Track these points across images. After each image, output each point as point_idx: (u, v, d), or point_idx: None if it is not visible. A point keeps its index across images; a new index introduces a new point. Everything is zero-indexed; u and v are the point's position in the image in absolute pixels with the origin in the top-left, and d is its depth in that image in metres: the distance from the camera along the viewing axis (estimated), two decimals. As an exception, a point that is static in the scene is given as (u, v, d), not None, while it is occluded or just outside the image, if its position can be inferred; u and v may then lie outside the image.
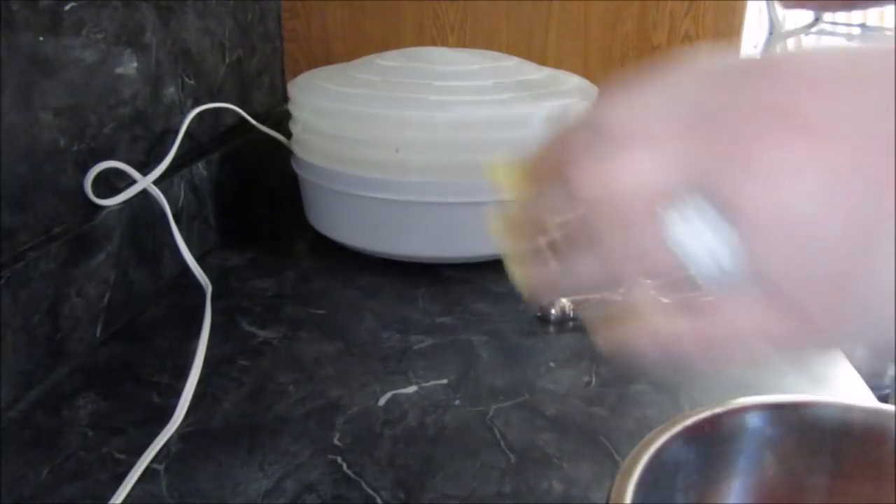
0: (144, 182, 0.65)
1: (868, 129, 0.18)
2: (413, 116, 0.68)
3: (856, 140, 0.18)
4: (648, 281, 0.21)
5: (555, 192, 0.23)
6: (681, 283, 0.20)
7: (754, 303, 0.20)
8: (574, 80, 0.79)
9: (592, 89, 0.77)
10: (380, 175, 0.70)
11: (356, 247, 0.76)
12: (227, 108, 0.81)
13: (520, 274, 0.26)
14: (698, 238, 0.19)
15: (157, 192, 0.66)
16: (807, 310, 0.19)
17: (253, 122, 0.85)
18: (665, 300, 0.21)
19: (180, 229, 0.67)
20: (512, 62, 0.79)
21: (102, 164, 0.61)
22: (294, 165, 0.79)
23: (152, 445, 0.48)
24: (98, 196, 0.60)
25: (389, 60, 0.77)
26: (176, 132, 0.72)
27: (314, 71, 0.81)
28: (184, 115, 0.74)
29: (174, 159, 0.69)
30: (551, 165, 0.24)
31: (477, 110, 0.68)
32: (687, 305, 0.21)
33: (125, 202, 0.63)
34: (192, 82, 0.75)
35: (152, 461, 0.47)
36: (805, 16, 1.33)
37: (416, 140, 0.68)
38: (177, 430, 0.50)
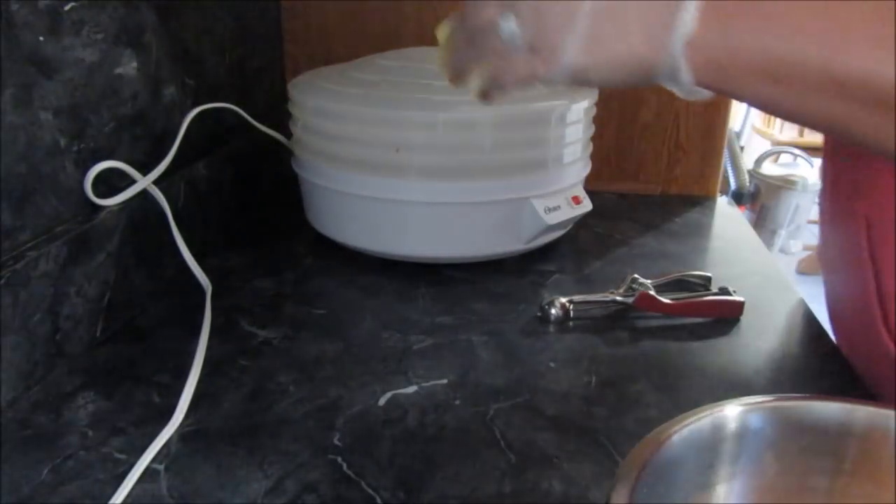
0: (144, 182, 0.65)
1: None
2: (413, 116, 0.68)
3: None
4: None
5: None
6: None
7: (524, 55, 0.41)
8: None
9: (592, 89, 0.77)
10: (380, 175, 0.70)
11: (356, 247, 0.76)
12: (227, 108, 0.81)
13: (443, 58, 0.48)
14: (506, 28, 0.41)
15: (156, 192, 0.66)
16: (540, 57, 0.40)
17: (253, 121, 0.85)
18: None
19: (180, 229, 0.67)
20: None
21: (102, 164, 0.61)
22: (294, 165, 0.78)
23: (152, 445, 0.48)
24: (98, 196, 0.60)
25: (389, 60, 0.77)
26: (176, 132, 0.72)
27: (314, 71, 0.81)
28: (184, 115, 0.74)
29: (174, 159, 0.69)
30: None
31: (477, 110, 0.68)
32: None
33: (125, 202, 0.63)
34: (192, 82, 0.75)
35: (152, 461, 0.47)
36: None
37: (416, 140, 0.68)
38: (177, 430, 0.50)
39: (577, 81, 0.41)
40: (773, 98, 0.36)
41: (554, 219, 0.73)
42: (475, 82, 0.46)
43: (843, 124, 0.35)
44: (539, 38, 0.40)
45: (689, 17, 0.35)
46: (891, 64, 0.32)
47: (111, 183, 0.63)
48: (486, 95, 0.46)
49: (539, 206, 0.72)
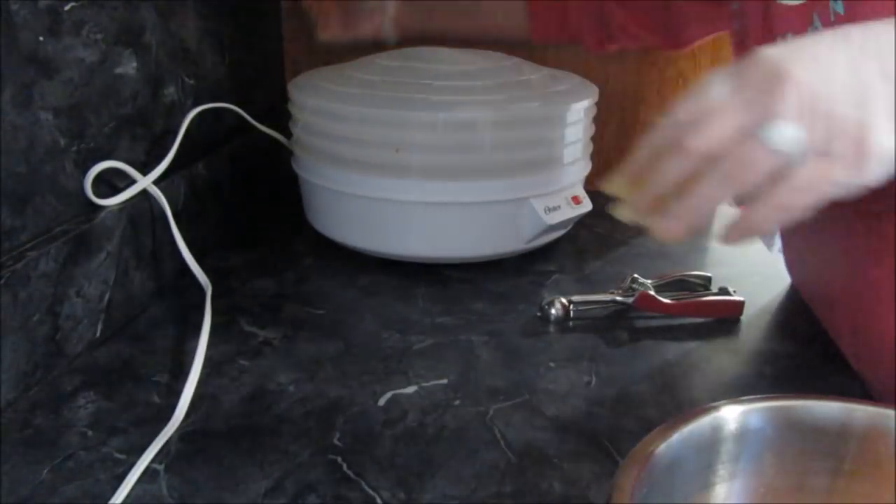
0: (144, 182, 0.65)
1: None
2: (413, 116, 0.68)
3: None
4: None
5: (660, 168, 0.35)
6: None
7: (814, 163, 0.32)
8: (574, 80, 0.79)
9: (592, 89, 0.77)
10: (380, 175, 0.70)
11: (356, 247, 0.75)
12: (227, 108, 0.81)
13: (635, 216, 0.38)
14: (779, 138, 0.31)
15: (156, 192, 0.66)
16: (842, 158, 0.32)
17: (253, 122, 0.85)
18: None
19: (180, 229, 0.67)
20: (511, 62, 0.79)
21: (102, 164, 0.61)
22: (294, 165, 0.78)
23: (152, 445, 0.48)
24: (98, 196, 0.60)
25: (389, 60, 0.77)
26: (176, 132, 0.72)
27: (314, 71, 0.81)
28: (184, 115, 0.74)
29: (174, 159, 0.69)
30: (653, 154, 0.36)
31: (477, 110, 0.68)
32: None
33: (125, 202, 0.63)
34: (192, 82, 0.75)
35: (152, 461, 0.47)
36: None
37: (416, 140, 0.68)
38: (177, 431, 0.50)
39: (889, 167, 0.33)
40: None
41: (554, 219, 0.72)
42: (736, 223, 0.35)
43: None
44: (834, 138, 0.32)
45: None
46: None
47: (111, 183, 0.63)
48: (749, 230, 0.36)
49: (539, 205, 0.72)
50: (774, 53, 0.33)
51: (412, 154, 0.69)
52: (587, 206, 0.77)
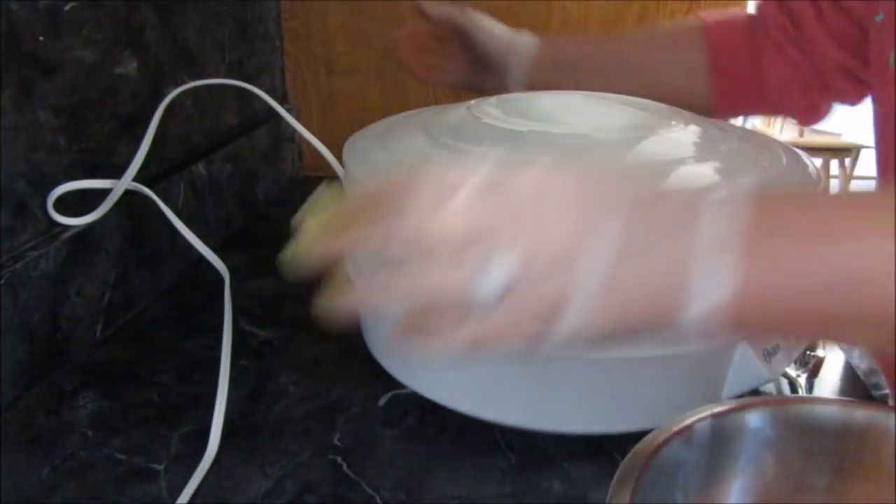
0: (124, 183, 0.65)
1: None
2: None
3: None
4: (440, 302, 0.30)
5: (363, 229, 0.32)
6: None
7: (504, 311, 0.30)
8: (774, 146, 0.56)
9: (808, 164, 0.54)
10: None
11: (457, 409, 0.50)
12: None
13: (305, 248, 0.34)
14: (484, 272, 0.28)
15: (151, 193, 0.66)
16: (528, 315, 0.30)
17: (279, 108, 0.85)
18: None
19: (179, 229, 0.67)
20: (676, 117, 0.56)
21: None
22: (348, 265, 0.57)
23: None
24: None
25: (495, 118, 0.54)
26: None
27: (378, 126, 0.59)
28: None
29: (174, 159, 0.69)
30: (363, 211, 0.33)
31: None
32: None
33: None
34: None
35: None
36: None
37: None
38: (178, 431, 0.50)
39: (581, 337, 0.31)
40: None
41: (777, 368, 0.48)
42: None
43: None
44: (535, 295, 0.30)
45: (718, 260, 0.29)
46: None
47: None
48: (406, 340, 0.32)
49: (755, 351, 0.48)
50: (541, 178, 0.30)
51: None
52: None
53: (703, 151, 0.51)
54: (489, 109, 0.56)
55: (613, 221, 0.29)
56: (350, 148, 0.55)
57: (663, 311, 0.30)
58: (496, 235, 0.29)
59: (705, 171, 0.48)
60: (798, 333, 0.33)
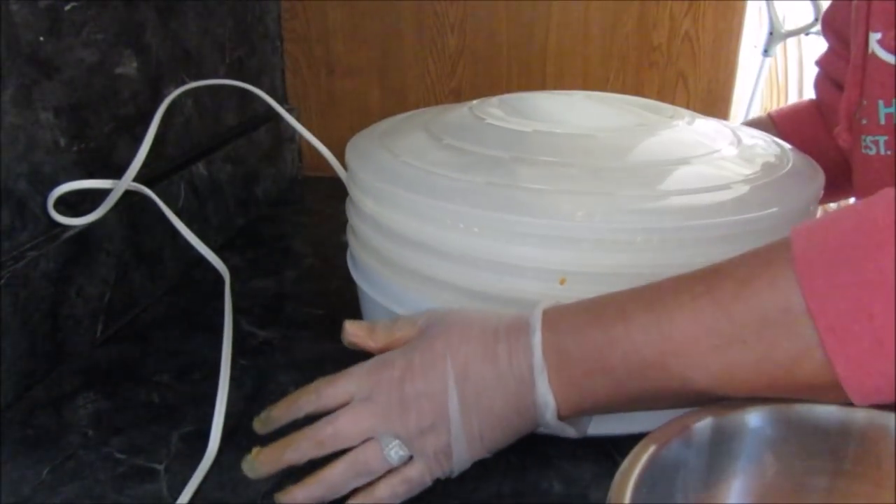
0: (123, 184, 0.65)
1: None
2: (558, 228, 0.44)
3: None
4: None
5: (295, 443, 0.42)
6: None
7: (413, 466, 0.41)
8: (784, 153, 0.54)
9: (800, 156, 0.54)
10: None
11: None
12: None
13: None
14: (391, 446, 0.40)
15: (151, 193, 0.66)
16: (434, 468, 0.41)
17: (280, 109, 0.85)
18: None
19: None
20: (669, 116, 0.56)
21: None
22: (352, 269, 0.57)
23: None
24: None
25: (500, 118, 0.54)
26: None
27: (383, 125, 0.59)
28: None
29: (174, 159, 0.69)
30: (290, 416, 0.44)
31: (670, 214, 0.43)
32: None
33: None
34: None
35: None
36: (805, 15, 1.33)
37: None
38: (178, 431, 0.50)
39: (473, 459, 0.41)
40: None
41: None
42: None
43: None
44: (427, 451, 0.40)
45: (542, 377, 0.38)
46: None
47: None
48: None
49: None
50: (399, 378, 0.40)
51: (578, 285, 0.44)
52: None
53: (707, 151, 0.51)
54: (491, 110, 0.56)
55: (452, 388, 0.39)
56: (353, 148, 0.55)
57: (527, 426, 0.40)
58: (382, 431, 0.40)
59: (707, 171, 0.48)
60: (631, 409, 0.39)
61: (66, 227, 0.57)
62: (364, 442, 0.40)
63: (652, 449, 0.32)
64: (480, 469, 0.47)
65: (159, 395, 0.54)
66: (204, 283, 0.69)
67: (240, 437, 0.49)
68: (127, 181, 0.62)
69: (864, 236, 0.31)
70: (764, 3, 1.31)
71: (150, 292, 0.67)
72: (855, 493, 0.35)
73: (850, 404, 0.33)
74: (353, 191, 0.53)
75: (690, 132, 0.54)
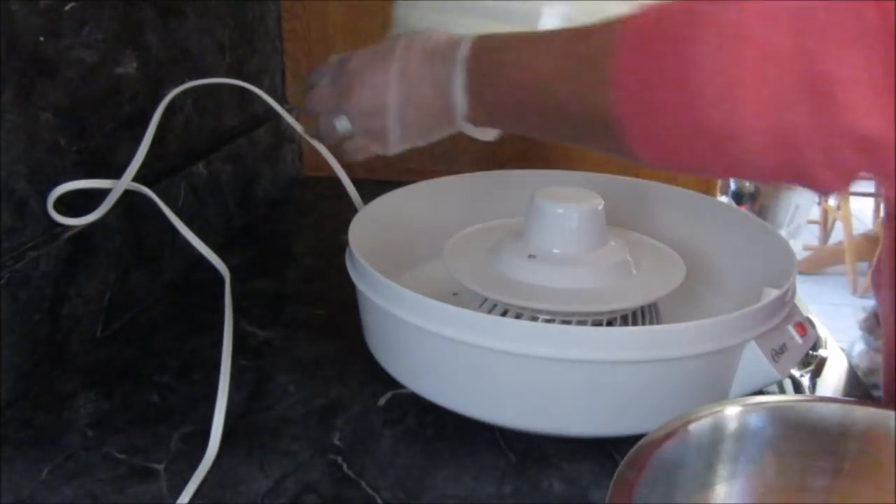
0: (122, 184, 0.65)
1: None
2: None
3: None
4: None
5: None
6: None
7: (360, 139, 0.56)
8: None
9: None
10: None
11: (457, 410, 0.50)
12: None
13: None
14: (340, 125, 0.55)
15: (151, 193, 0.66)
16: (375, 142, 0.55)
17: (276, 105, 0.84)
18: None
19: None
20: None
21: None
22: (350, 269, 0.56)
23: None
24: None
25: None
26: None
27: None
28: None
29: (174, 159, 0.69)
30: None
31: None
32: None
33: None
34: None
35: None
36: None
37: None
38: (178, 431, 0.50)
39: (407, 146, 0.54)
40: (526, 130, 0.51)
41: (785, 368, 0.47)
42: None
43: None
44: (368, 130, 0.54)
45: (459, 85, 0.49)
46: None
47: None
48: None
49: (764, 348, 0.47)
50: (353, 69, 0.54)
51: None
52: (812, 335, 0.52)
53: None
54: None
55: (393, 78, 0.51)
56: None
57: (445, 122, 0.52)
58: (340, 103, 0.55)
59: None
60: (512, 127, 0.52)
61: (66, 227, 0.57)
62: (328, 113, 0.56)
63: (652, 449, 0.32)
64: (480, 469, 0.47)
65: (159, 395, 0.54)
66: (204, 283, 0.69)
67: (240, 438, 0.49)
68: (126, 181, 0.62)
69: (676, 15, 0.38)
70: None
71: (150, 292, 0.67)
72: (855, 493, 0.35)
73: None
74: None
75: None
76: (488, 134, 0.54)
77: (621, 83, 0.40)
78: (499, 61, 0.47)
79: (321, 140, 0.59)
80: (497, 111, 0.49)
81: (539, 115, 0.47)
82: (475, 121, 0.51)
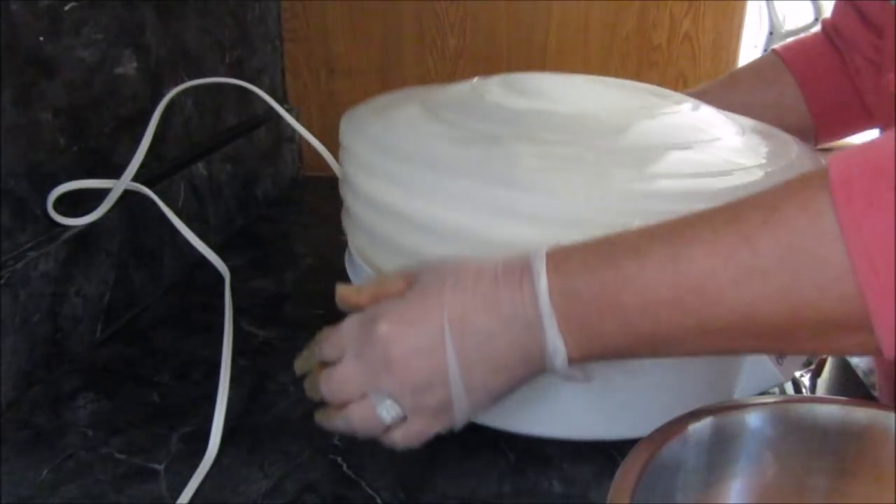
0: (122, 184, 0.65)
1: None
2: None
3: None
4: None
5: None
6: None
7: (414, 421, 0.40)
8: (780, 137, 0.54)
9: (805, 148, 0.53)
10: None
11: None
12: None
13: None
14: (384, 412, 0.40)
15: (151, 193, 0.66)
16: (435, 420, 0.40)
17: (277, 107, 0.85)
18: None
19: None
20: (675, 102, 0.55)
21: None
22: (348, 265, 0.57)
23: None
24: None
25: (503, 96, 0.53)
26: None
27: (377, 103, 0.57)
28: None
29: (174, 159, 0.69)
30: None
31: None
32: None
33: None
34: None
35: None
36: (805, 15, 1.33)
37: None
38: (178, 431, 0.50)
39: (477, 413, 0.41)
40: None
41: (789, 371, 0.47)
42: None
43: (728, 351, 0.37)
44: (424, 410, 0.39)
45: (552, 327, 0.36)
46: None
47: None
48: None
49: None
50: (387, 335, 0.38)
51: None
52: None
53: (710, 138, 0.50)
54: (492, 88, 0.55)
55: (448, 335, 0.37)
56: (347, 121, 0.54)
57: (533, 373, 0.38)
58: (377, 383, 0.39)
59: (708, 158, 0.47)
60: (643, 354, 0.37)
61: (66, 227, 0.57)
62: (362, 398, 0.40)
63: (652, 449, 0.32)
64: (480, 469, 0.47)
65: (159, 395, 0.54)
66: (204, 283, 0.69)
67: (240, 437, 0.49)
68: (126, 181, 0.62)
69: None
70: (764, 3, 1.31)
71: (150, 292, 0.67)
72: (855, 493, 0.35)
73: (879, 355, 0.31)
74: (347, 164, 0.52)
75: (694, 118, 0.53)
76: (586, 371, 0.40)
77: (869, 271, 0.29)
78: (617, 280, 0.34)
79: (353, 433, 0.42)
80: (627, 342, 0.36)
81: (701, 333, 0.34)
82: (581, 360, 0.37)
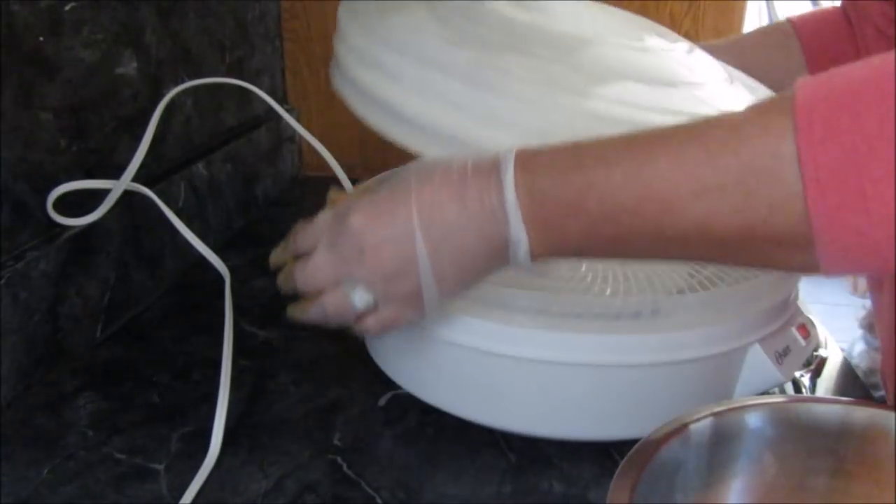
0: (121, 184, 0.65)
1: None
2: None
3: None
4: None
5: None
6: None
7: (384, 309, 0.42)
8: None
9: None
10: (485, 315, 0.47)
11: (453, 412, 0.50)
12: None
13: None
14: (356, 299, 0.41)
15: (150, 193, 0.66)
16: (405, 309, 0.42)
17: (279, 108, 0.84)
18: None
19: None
20: (673, 41, 0.55)
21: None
22: None
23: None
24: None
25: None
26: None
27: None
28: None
29: (174, 159, 0.69)
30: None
31: None
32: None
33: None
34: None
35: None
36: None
37: None
38: (178, 431, 0.50)
39: (447, 303, 0.43)
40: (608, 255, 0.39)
41: (790, 369, 0.47)
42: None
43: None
44: (395, 297, 0.41)
45: (519, 219, 0.37)
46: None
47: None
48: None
49: (768, 350, 0.47)
50: (359, 225, 0.40)
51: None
52: (815, 338, 0.51)
53: (693, 79, 0.50)
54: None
55: (416, 226, 0.39)
56: (346, 4, 0.53)
57: (498, 264, 0.39)
58: (350, 272, 0.41)
59: (690, 97, 0.47)
60: (601, 255, 0.40)
61: (65, 227, 0.57)
62: (335, 286, 0.42)
63: (652, 449, 0.32)
64: (480, 469, 0.47)
65: (159, 395, 0.54)
66: (204, 283, 0.69)
67: (240, 437, 0.49)
68: (126, 181, 0.62)
69: (873, 86, 0.29)
70: (764, 3, 1.31)
71: (150, 292, 0.67)
72: (855, 493, 0.35)
73: (816, 272, 0.32)
74: (339, 45, 0.51)
75: (687, 60, 0.53)
76: (548, 268, 0.41)
77: (818, 195, 0.30)
78: (583, 184, 0.36)
79: (326, 322, 0.44)
80: (588, 242, 0.37)
81: (657, 240, 0.35)
82: (543, 256, 0.39)
